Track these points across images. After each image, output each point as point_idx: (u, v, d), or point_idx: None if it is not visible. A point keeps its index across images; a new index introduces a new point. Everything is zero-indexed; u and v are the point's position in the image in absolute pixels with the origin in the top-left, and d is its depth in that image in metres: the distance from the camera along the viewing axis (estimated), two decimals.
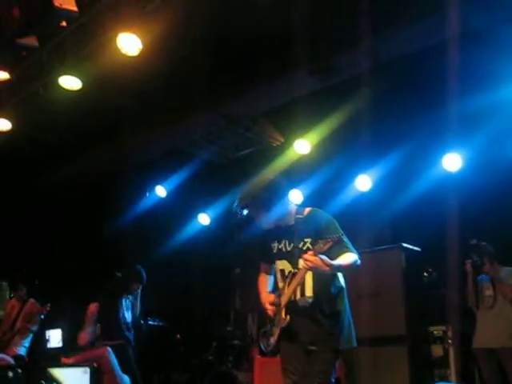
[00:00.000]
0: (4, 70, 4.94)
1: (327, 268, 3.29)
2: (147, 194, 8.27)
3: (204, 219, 8.23)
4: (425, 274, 6.01)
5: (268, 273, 3.95)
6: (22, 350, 7.04)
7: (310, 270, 3.36)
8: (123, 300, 6.29)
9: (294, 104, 5.99)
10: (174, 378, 7.96)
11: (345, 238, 3.41)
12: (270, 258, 3.79)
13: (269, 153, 7.16)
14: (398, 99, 5.82)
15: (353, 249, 3.47)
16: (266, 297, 3.77)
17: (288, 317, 3.55)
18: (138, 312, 6.45)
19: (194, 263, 8.29)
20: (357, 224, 6.45)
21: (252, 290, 8.24)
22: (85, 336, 6.05)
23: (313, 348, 3.50)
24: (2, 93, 5.93)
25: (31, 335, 7.25)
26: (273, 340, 3.68)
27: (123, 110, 6.11)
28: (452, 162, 6.29)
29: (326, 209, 6.22)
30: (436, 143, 6.28)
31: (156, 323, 7.96)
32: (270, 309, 3.66)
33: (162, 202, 8.24)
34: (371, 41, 5.03)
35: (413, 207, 6.35)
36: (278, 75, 5.54)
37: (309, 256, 3.28)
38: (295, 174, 7.09)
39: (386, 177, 6.75)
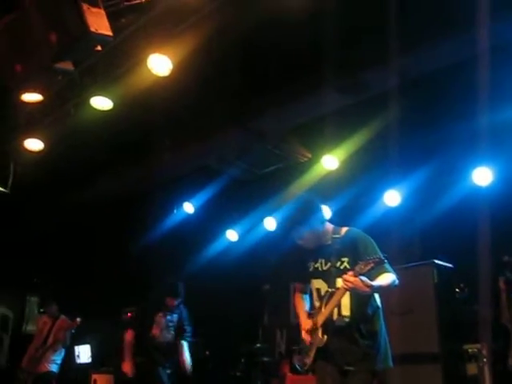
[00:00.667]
0: (37, 93, 5.05)
1: (367, 289, 3.31)
2: (175, 211, 8.32)
3: (232, 235, 8.25)
4: (457, 290, 5.94)
5: (303, 292, 3.98)
6: (53, 367, 7.12)
7: (350, 290, 3.37)
8: (159, 317, 6.08)
9: (322, 120, 6.01)
10: None
11: (384, 259, 3.40)
12: (306, 277, 3.81)
13: (296, 169, 7.18)
14: (427, 114, 5.80)
15: (391, 269, 3.49)
16: (303, 323, 3.79)
17: (325, 337, 3.55)
18: (186, 328, 6.24)
19: (222, 279, 8.30)
20: (385, 240, 6.38)
21: (281, 306, 8.28)
22: (129, 367, 5.85)
23: (349, 368, 3.50)
24: (35, 114, 6.07)
25: (63, 351, 7.31)
26: (308, 360, 3.69)
27: (153, 129, 6.20)
28: (482, 176, 6.22)
29: (354, 224, 6.21)
30: (465, 157, 6.22)
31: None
32: (305, 336, 3.70)
33: (189, 218, 8.29)
34: (399, 57, 5.03)
35: (442, 222, 6.29)
36: (306, 92, 5.57)
37: (349, 277, 3.31)
38: (323, 190, 7.08)
39: (414, 192, 6.70)
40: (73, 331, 7.20)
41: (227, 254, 8.21)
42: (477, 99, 5.11)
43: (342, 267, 3.58)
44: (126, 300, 8.38)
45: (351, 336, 3.53)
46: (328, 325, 3.57)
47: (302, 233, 3.66)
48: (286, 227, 3.77)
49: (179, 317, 6.18)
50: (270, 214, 7.76)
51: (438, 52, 5.11)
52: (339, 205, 7.13)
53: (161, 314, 6.07)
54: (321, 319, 3.60)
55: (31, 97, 5.25)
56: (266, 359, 7.27)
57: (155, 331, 6.00)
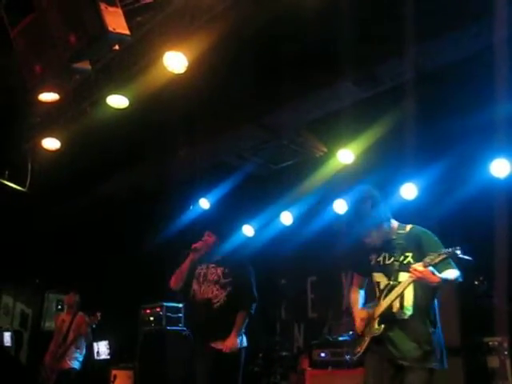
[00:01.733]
0: (55, 92, 5.07)
1: (436, 280, 3.36)
2: (191, 207, 8.34)
3: (248, 231, 8.26)
4: (476, 282, 5.91)
5: (361, 286, 4.07)
6: (75, 364, 7.17)
7: (417, 280, 3.42)
8: None
9: (338, 114, 5.99)
10: None
11: (455, 253, 3.47)
12: (367, 270, 3.89)
13: (312, 163, 7.16)
14: (443, 106, 5.76)
15: (455, 265, 3.57)
16: (358, 313, 3.88)
17: (382, 326, 3.61)
18: None
19: None
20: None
21: (298, 300, 8.28)
22: None
23: (404, 363, 3.53)
24: (52, 113, 6.10)
25: (85, 348, 7.36)
26: (360, 349, 3.75)
27: (168, 126, 6.21)
28: (500, 167, 6.17)
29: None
30: (483, 149, 6.18)
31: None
32: (359, 324, 3.76)
33: (205, 214, 8.31)
34: (415, 49, 4.99)
35: (460, 215, 6.25)
36: (321, 86, 5.54)
37: (418, 267, 3.36)
38: (339, 184, 7.08)
39: (431, 185, 6.66)
40: (93, 326, 7.23)
41: (243, 249, 8.22)
42: (494, 90, 5.07)
43: (405, 262, 3.65)
44: (143, 296, 8.43)
45: (410, 330, 3.58)
46: (386, 316, 3.63)
47: (369, 232, 3.74)
48: (353, 227, 3.81)
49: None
50: (286, 209, 7.76)
51: (454, 43, 5.06)
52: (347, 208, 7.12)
53: None
54: (379, 310, 3.67)
55: (48, 96, 5.29)
56: (284, 354, 7.28)
57: None
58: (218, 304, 4.91)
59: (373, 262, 3.85)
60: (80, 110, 5.85)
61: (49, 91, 4.98)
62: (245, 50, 4.93)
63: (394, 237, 3.77)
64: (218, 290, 4.94)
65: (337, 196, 7.23)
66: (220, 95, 5.65)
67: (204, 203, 8.24)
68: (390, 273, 3.70)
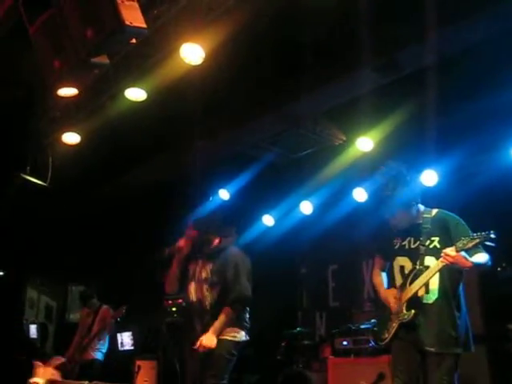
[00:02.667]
0: (73, 87, 5.11)
1: (469, 265, 3.37)
2: (211, 199, 8.36)
3: (268, 220, 8.27)
4: (498, 269, 5.86)
5: (382, 269, 4.03)
6: (99, 355, 7.28)
7: (449, 265, 3.41)
8: None
9: (357, 102, 5.95)
10: (246, 379, 8.03)
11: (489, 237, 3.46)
12: (390, 254, 3.86)
13: (331, 151, 7.13)
14: (463, 91, 5.69)
15: (484, 250, 3.55)
16: (388, 292, 3.83)
17: (412, 311, 3.58)
18: None
19: (260, 265, 8.32)
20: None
21: (319, 289, 8.28)
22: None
23: (431, 350, 3.52)
24: (71, 108, 6.16)
25: (107, 340, 7.47)
26: (387, 335, 3.73)
27: (187, 118, 6.23)
28: None
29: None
30: (504, 134, 6.10)
31: None
32: (393, 303, 3.72)
33: (225, 205, 8.32)
34: (435, 34, 4.94)
35: (481, 201, 6.19)
36: (341, 73, 5.51)
37: (450, 251, 3.36)
38: (358, 172, 7.05)
39: (452, 171, 6.60)
40: (118, 319, 7.31)
41: (264, 239, 8.23)
42: None
43: (431, 246, 3.66)
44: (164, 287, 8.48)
45: (436, 315, 3.57)
46: (414, 301, 3.61)
47: (397, 212, 3.72)
48: (381, 205, 3.79)
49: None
50: (305, 198, 7.74)
51: (474, 24, 4.99)
52: (375, 187, 7.08)
53: None
54: (406, 295, 3.65)
55: (67, 91, 5.33)
56: (306, 343, 7.29)
57: None
58: (208, 305, 4.43)
59: (397, 246, 3.83)
60: (99, 104, 5.90)
61: (67, 86, 5.01)
62: (262, 39, 4.93)
63: (420, 221, 3.75)
64: (207, 289, 4.45)
65: (356, 184, 7.20)
66: (238, 86, 5.65)
67: (223, 194, 8.26)
68: (416, 257, 3.68)
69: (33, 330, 10.92)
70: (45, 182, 7.16)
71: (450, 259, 3.36)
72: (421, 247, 3.68)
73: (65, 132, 6.44)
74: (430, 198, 6.69)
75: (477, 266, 3.44)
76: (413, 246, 3.75)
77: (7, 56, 5.76)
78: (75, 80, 4.47)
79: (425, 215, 3.78)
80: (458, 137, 6.08)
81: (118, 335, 9.33)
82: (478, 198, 6.18)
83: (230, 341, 4.36)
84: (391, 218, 3.79)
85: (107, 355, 7.53)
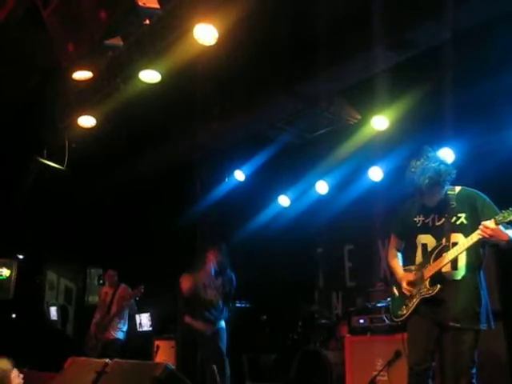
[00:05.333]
0: (88, 70, 5.13)
1: (506, 238, 3.41)
2: (226, 180, 8.39)
3: (284, 201, 8.28)
4: None
5: (398, 248, 4.07)
6: (119, 334, 7.40)
7: (487, 238, 3.42)
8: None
9: (371, 80, 5.90)
10: (263, 359, 8.12)
11: None
12: (411, 232, 3.86)
13: (346, 131, 7.10)
14: (479, 68, 5.62)
15: None
16: (404, 275, 3.84)
17: (438, 286, 3.61)
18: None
19: (276, 245, 8.37)
20: None
21: (335, 269, 8.30)
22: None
23: (455, 325, 3.54)
24: (86, 91, 6.18)
25: (127, 320, 7.57)
26: (406, 311, 3.76)
27: (202, 99, 6.23)
28: None
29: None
30: None
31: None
32: (407, 287, 3.75)
33: (241, 186, 8.35)
34: (450, 9, 4.87)
35: (498, 179, 6.13)
36: (356, 52, 5.45)
37: (489, 224, 3.37)
38: (374, 152, 7.02)
39: (469, 149, 6.54)
40: (137, 298, 7.42)
41: (280, 219, 8.26)
42: None
43: (458, 222, 3.66)
44: (182, 268, 8.57)
45: (462, 291, 3.59)
46: (439, 277, 3.63)
47: (429, 188, 3.69)
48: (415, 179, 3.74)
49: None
50: (321, 178, 7.73)
51: (490, 2, 4.91)
52: (391, 166, 7.06)
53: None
54: (430, 271, 3.67)
55: (82, 74, 5.36)
56: (323, 321, 7.33)
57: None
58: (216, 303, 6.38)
59: (419, 224, 3.82)
60: (113, 86, 5.89)
61: (82, 69, 5.04)
62: (276, 18, 4.89)
63: (443, 197, 3.75)
64: (215, 296, 6.40)
65: (372, 163, 7.17)
66: (252, 66, 5.62)
67: (239, 175, 8.28)
68: (441, 234, 3.68)
69: (53, 312, 11.10)
70: (62, 166, 7.23)
71: (490, 232, 3.37)
72: (446, 224, 3.68)
73: (80, 115, 6.46)
74: None
75: (511, 241, 3.45)
76: (437, 223, 3.75)
77: (22, 41, 5.79)
78: (89, 63, 4.50)
79: (449, 192, 3.77)
80: (474, 114, 6.02)
81: (137, 316, 9.45)
82: (495, 176, 6.12)
83: None
84: (422, 195, 3.76)
85: (127, 334, 7.66)
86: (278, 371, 7.52)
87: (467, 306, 3.57)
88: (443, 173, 3.69)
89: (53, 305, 11.30)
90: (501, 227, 3.39)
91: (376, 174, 7.19)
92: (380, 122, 6.68)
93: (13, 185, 8.23)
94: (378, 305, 6.03)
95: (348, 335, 6.13)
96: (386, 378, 5.36)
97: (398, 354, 5.21)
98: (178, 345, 7.95)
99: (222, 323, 6.48)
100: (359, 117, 7.03)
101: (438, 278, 3.64)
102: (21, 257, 11.01)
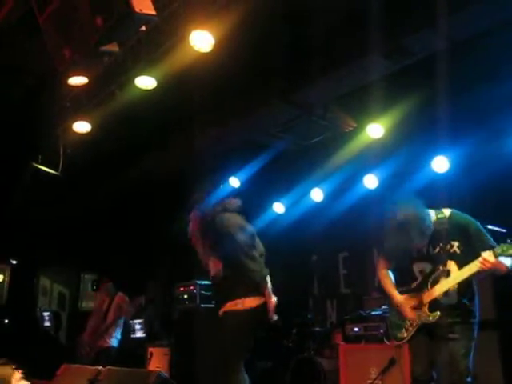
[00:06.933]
0: (83, 76, 5.12)
1: (504, 269, 3.46)
2: (221, 186, 8.37)
3: (279, 208, 8.27)
4: None
5: (388, 268, 4.08)
6: (114, 342, 7.36)
7: (487, 270, 3.47)
8: None
9: (366, 88, 5.92)
10: (258, 365, 8.08)
11: None
12: (405, 259, 3.87)
13: (342, 138, 7.11)
14: (475, 78, 5.64)
15: None
16: (404, 301, 3.86)
17: (438, 313, 3.66)
18: None
19: (271, 252, 8.33)
20: (433, 207, 6.33)
21: (330, 276, 8.28)
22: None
23: (454, 336, 3.62)
24: (81, 96, 6.17)
25: (122, 327, 7.54)
26: (406, 334, 3.83)
27: (197, 105, 6.22)
28: None
29: (402, 192, 6.05)
30: None
31: None
32: (411, 313, 3.78)
33: (235, 193, 8.33)
34: (446, 19, 4.89)
35: (492, 189, 6.16)
36: (351, 60, 5.47)
37: (489, 257, 3.41)
38: (369, 159, 7.02)
39: (463, 157, 6.56)
40: (138, 308, 7.41)
41: (274, 226, 8.24)
42: None
43: (451, 251, 3.67)
44: (177, 275, 8.53)
45: (459, 312, 3.66)
46: (437, 303, 3.68)
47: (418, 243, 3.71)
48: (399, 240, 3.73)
49: None
50: (316, 185, 7.73)
51: (486, 12, 4.93)
52: (386, 173, 7.07)
53: None
54: (428, 297, 3.72)
55: (77, 80, 5.35)
56: (317, 329, 7.32)
57: None
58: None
59: (414, 253, 3.83)
60: (109, 92, 5.89)
61: (78, 75, 5.04)
62: (272, 26, 4.89)
63: (436, 226, 3.72)
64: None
65: (367, 171, 7.18)
66: (248, 73, 5.62)
67: (234, 182, 8.26)
68: (438, 261, 3.71)
69: (46, 317, 11.03)
70: (56, 171, 7.21)
71: (489, 265, 3.40)
72: (441, 252, 3.70)
73: (75, 121, 6.45)
74: (441, 184, 6.75)
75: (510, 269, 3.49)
76: (433, 252, 3.76)
77: (18, 45, 5.78)
78: (85, 68, 4.49)
79: (439, 216, 3.76)
80: (470, 123, 6.04)
81: (130, 322, 9.41)
82: (490, 185, 6.15)
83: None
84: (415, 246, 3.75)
85: (121, 342, 7.62)
86: (272, 379, 7.48)
87: (464, 322, 3.65)
88: (420, 224, 3.65)
89: (46, 311, 11.22)
90: (500, 258, 3.42)
91: (371, 181, 7.20)
92: (375, 130, 6.70)
93: (7, 190, 8.20)
94: (373, 313, 6.03)
95: (342, 343, 6.12)
96: None
97: (392, 362, 5.19)
98: (171, 352, 7.91)
99: None
100: (355, 124, 7.05)
101: (436, 303, 3.69)
102: (14, 262, 10.96)
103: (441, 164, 6.69)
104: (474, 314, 3.71)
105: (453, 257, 3.66)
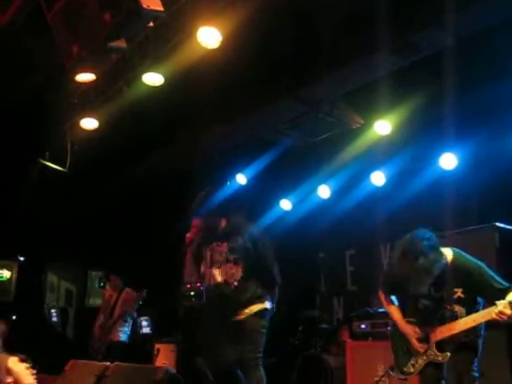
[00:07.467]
0: (91, 72, 5.13)
1: None
2: (228, 183, 8.37)
3: (286, 205, 8.27)
4: None
5: (390, 300, 4.06)
6: (123, 337, 7.42)
7: (502, 321, 3.40)
8: None
9: (374, 85, 5.91)
10: (265, 363, 8.07)
11: None
12: (411, 297, 3.83)
13: (349, 135, 7.10)
14: (483, 74, 5.62)
15: None
16: (413, 331, 3.82)
17: (448, 354, 3.63)
18: None
19: (278, 249, 8.33)
20: (441, 204, 6.32)
21: (336, 273, 8.25)
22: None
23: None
24: (89, 93, 6.18)
25: (131, 322, 7.58)
26: (413, 369, 3.81)
27: (204, 102, 6.22)
28: None
29: (409, 189, 6.02)
30: None
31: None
32: (418, 344, 3.75)
33: (242, 189, 8.33)
34: (454, 15, 4.87)
35: (500, 185, 6.14)
36: (358, 56, 5.46)
37: (505, 310, 3.32)
38: (376, 156, 7.01)
39: (471, 154, 6.53)
40: (140, 303, 7.43)
41: (281, 223, 8.23)
42: None
43: (455, 296, 3.62)
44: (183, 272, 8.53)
45: (469, 342, 3.62)
46: (449, 342, 3.64)
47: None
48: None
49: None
50: (323, 182, 7.72)
51: (493, 8, 4.91)
52: (393, 170, 7.05)
53: None
54: (436, 336, 3.68)
55: (85, 77, 5.36)
56: (324, 326, 7.32)
57: None
58: (236, 283, 4.49)
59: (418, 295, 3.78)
60: (116, 89, 5.91)
61: (86, 71, 5.04)
62: (280, 22, 4.89)
63: (439, 270, 3.61)
64: (231, 268, 4.52)
65: (374, 168, 7.16)
66: (255, 69, 5.62)
67: (241, 179, 8.26)
68: (441, 302, 3.68)
69: (53, 314, 11.07)
70: (64, 168, 7.23)
71: (505, 318, 3.32)
72: (445, 296, 3.66)
73: (83, 118, 6.47)
74: (449, 181, 6.73)
75: None
76: (435, 295, 3.71)
77: (25, 43, 5.80)
78: (93, 65, 4.49)
79: (442, 260, 3.62)
80: (477, 120, 6.02)
81: (139, 319, 9.43)
82: (497, 182, 6.13)
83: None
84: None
85: (129, 337, 7.66)
86: (278, 376, 7.48)
87: (469, 343, 3.64)
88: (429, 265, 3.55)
89: (53, 307, 11.26)
90: None
91: (378, 178, 7.18)
92: (383, 127, 6.68)
93: (15, 187, 8.23)
94: (380, 310, 6.01)
95: (349, 340, 6.11)
96: None
97: None
98: (178, 349, 7.93)
99: None
100: (362, 121, 7.04)
101: (445, 344, 3.65)
102: (22, 258, 11.00)
103: (448, 161, 6.66)
104: (481, 342, 3.68)
105: (458, 302, 3.62)
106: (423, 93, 5.94)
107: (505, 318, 3.33)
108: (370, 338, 5.88)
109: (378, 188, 7.23)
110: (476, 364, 3.62)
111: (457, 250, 3.77)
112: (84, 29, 3.78)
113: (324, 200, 7.86)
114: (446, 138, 6.39)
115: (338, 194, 7.72)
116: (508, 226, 5.69)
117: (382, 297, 4.09)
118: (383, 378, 5.34)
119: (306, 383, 6.45)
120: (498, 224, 5.55)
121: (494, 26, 5.06)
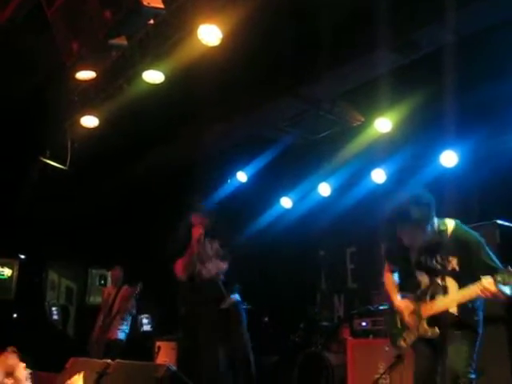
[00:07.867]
0: (91, 70, 5.12)
1: (504, 298, 3.35)
2: (228, 181, 8.37)
3: (286, 203, 8.26)
4: None
5: (393, 271, 4.03)
6: (121, 335, 7.41)
7: (485, 297, 3.40)
8: None
9: (375, 82, 5.91)
10: (264, 361, 8.09)
11: None
12: (405, 267, 3.83)
13: (349, 133, 7.10)
14: (483, 72, 5.61)
15: None
16: (405, 305, 3.80)
17: (436, 330, 3.60)
18: None
19: (278, 247, 8.36)
20: (442, 201, 6.30)
21: (337, 271, 8.27)
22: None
23: (455, 345, 3.56)
24: (89, 91, 6.17)
25: (129, 320, 7.57)
26: (404, 343, 3.79)
27: (205, 100, 6.22)
28: None
29: (410, 187, 6.03)
30: None
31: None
32: (410, 318, 3.72)
33: (243, 187, 8.34)
34: (455, 13, 4.86)
35: (501, 182, 6.14)
36: (359, 54, 5.45)
37: (489, 286, 3.30)
38: (377, 154, 7.01)
39: (472, 151, 6.53)
40: (137, 297, 7.42)
41: (282, 221, 8.24)
42: None
43: (449, 267, 3.57)
44: None
45: (461, 322, 3.57)
46: (438, 318, 3.60)
47: (409, 230, 3.61)
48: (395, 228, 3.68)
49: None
50: (323, 180, 7.72)
51: (494, 6, 4.90)
52: (394, 168, 7.05)
53: None
54: (427, 312, 3.64)
55: (85, 74, 5.35)
56: (325, 324, 7.32)
57: None
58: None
59: (414, 260, 3.77)
60: (117, 86, 5.89)
61: (86, 69, 5.03)
62: (280, 20, 4.88)
63: (436, 237, 3.62)
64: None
65: (375, 165, 7.16)
66: (255, 67, 5.62)
67: (241, 176, 8.26)
68: (434, 274, 3.63)
69: (54, 311, 11.08)
70: (64, 166, 7.22)
71: (489, 295, 3.31)
72: (438, 266, 3.61)
73: (83, 115, 6.46)
74: (450, 179, 6.72)
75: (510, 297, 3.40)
76: (430, 264, 3.67)
77: (25, 40, 5.79)
78: (93, 62, 4.49)
79: (441, 228, 3.63)
80: (478, 117, 6.02)
81: (138, 317, 9.43)
82: (498, 179, 6.13)
83: None
84: (403, 239, 3.68)
85: (129, 335, 7.65)
86: (279, 373, 7.49)
87: (466, 327, 3.59)
88: (422, 214, 3.54)
89: (54, 305, 11.27)
90: (502, 288, 3.30)
91: (379, 176, 7.18)
92: (383, 124, 6.68)
93: (15, 185, 8.23)
94: (381, 307, 6.01)
95: (350, 338, 6.11)
96: (388, 382, 5.34)
97: (399, 358, 5.19)
98: (179, 346, 7.93)
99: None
100: (362, 119, 7.04)
101: (435, 319, 3.61)
102: (22, 256, 11.00)
103: (449, 158, 6.66)
104: (478, 322, 3.62)
105: (451, 274, 3.57)
106: (424, 90, 5.94)
107: (488, 294, 3.31)
108: (371, 336, 5.88)
109: (378, 186, 7.23)
110: (474, 366, 3.57)
111: (460, 222, 3.73)
112: (84, 26, 3.78)
113: (324, 198, 7.86)
114: (447, 135, 6.40)
115: (338, 192, 7.72)
116: (509, 224, 5.68)
117: (386, 267, 4.08)
118: (384, 376, 5.34)
119: (306, 381, 6.45)
120: (498, 221, 5.54)
121: (495, 24, 5.05)
